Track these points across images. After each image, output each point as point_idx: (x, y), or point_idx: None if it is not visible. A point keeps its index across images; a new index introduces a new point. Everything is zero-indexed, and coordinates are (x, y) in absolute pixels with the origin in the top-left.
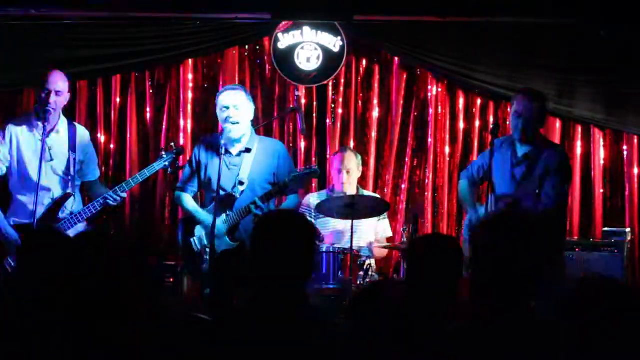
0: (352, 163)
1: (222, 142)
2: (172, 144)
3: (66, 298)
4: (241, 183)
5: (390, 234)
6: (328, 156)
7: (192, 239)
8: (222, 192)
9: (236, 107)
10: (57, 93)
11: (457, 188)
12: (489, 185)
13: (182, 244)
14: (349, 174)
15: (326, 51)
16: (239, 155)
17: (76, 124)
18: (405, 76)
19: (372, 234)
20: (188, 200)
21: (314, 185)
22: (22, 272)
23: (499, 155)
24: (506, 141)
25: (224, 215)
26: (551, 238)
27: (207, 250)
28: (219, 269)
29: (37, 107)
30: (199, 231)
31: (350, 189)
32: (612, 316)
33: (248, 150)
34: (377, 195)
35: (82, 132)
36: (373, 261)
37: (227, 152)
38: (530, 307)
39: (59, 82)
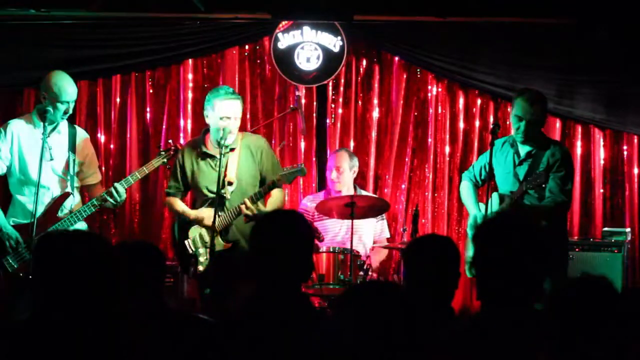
0: (345, 162)
1: (221, 142)
2: (170, 141)
3: (69, 297)
4: (230, 183)
5: (388, 235)
6: (328, 156)
7: (186, 241)
8: (211, 195)
9: (236, 118)
10: (74, 101)
11: (457, 188)
12: (488, 185)
13: (178, 246)
14: (339, 172)
15: (326, 51)
16: (223, 156)
17: (76, 126)
18: (405, 76)
19: (371, 236)
20: (177, 203)
21: (313, 185)
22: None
23: (501, 155)
24: (508, 140)
25: (215, 216)
26: (555, 237)
27: (201, 251)
28: (214, 270)
29: (40, 107)
30: (193, 233)
31: (342, 188)
32: (604, 316)
33: (232, 150)
34: (375, 195)
35: (82, 134)
36: (372, 261)
37: (212, 155)
38: (533, 307)
39: (75, 91)
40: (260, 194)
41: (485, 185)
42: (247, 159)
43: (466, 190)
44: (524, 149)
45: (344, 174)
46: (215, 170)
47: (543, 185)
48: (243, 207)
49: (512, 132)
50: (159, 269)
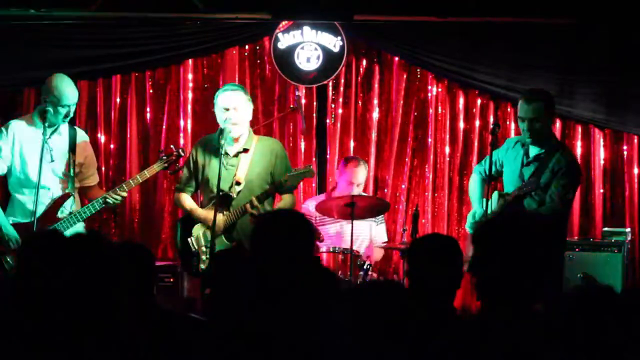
0: (364, 177)
1: (221, 142)
2: (172, 146)
3: (64, 297)
4: (238, 183)
5: (385, 239)
6: (328, 156)
7: (189, 239)
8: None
9: (236, 108)
10: (75, 104)
11: (457, 188)
12: (488, 185)
13: (180, 244)
14: (359, 187)
15: (326, 51)
16: (236, 155)
17: (76, 127)
18: (405, 76)
19: (369, 238)
20: (186, 200)
21: (313, 185)
22: (21, 272)
23: (512, 153)
24: (520, 140)
25: (220, 215)
26: (553, 239)
27: (204, 249)
28: (215, 269)
29: (41, 108)
30: (196, 231)
31: None
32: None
33: (246, 151)
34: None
35: (82, 135)
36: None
37: (225, 152)
38: (533, 308)
39: (76, 94)
40: (266, 194)
41: (491, 182)
42: (260, 161)
43: (474, 184)
44: (533, 151)
45: (362, 187)
46: (226, 168)
47: (533, 193)
48: (248, 205)
49: (522, 134)
50: (149, 270)
